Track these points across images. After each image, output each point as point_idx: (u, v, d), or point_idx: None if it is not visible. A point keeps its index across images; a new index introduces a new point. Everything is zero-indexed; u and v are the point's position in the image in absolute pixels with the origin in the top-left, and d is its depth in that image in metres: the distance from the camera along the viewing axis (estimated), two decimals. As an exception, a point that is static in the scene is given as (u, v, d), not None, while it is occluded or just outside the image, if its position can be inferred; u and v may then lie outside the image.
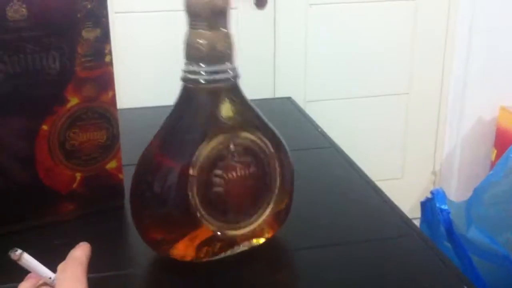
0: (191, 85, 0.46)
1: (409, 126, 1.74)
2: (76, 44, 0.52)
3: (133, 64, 1.41)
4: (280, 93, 1.48)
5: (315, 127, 0.78)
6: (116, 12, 0.52)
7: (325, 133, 0.76)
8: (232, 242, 0.48)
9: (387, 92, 1.70)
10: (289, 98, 0.90)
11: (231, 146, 0.46)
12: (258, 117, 0.48)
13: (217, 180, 0.46)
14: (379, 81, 1.68)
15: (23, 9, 0.49)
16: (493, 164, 1.64)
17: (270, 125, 0.49)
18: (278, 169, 0.49)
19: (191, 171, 0.44)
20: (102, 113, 0.55)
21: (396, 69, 1.68)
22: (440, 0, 1.64)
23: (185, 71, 0.46)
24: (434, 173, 1.81)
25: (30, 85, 0.51)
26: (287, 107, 0.87)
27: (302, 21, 1.58)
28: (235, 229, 0.48)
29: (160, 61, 1.42)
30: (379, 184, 0.63)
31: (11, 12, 0.49)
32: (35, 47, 0.50)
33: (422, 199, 0.87)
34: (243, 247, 0.49)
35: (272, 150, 0.48)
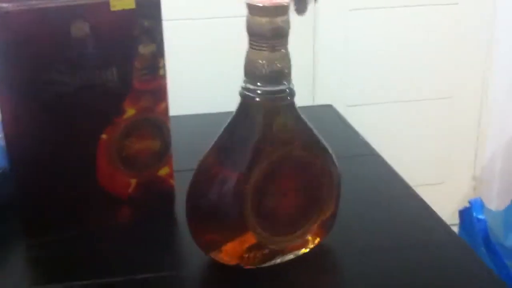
0: (248, 101, 0.48)
1: (451, 131, 1.73)
2: (133, 59, 0.56)
3: (184, 71, 1.45)
4: (320, 100, 1.50)
5: (357, 134, 0.80)
6: (167, 20, 0.55)
7: (366, 140, 0.78)
8: (280, 251, 0.51)
9: (429, 97, 1.70)
10: (330, 106, 0.92)
11: (284, 160, 0.48)
12: (310, 133, 0.51)
13: (269, 193, 0.49)
14: (420, 86, 1.67)
15: (86, 27, 0.53)
16: (536, 170, 1.62)
17: (322, 139, 0.51)
18: (328, 183, 0.51)
19: (246, 183, 0.47)
20: (156, 123, 0.59)
21: (439, 73, 1.67)
22: (484, 5, 1.63)
23: (243, 88, 0.48)
24: (474, 178, 1.80)
25: (92, 97, 0.54)
26: (328, 114, 0.89)
27: (342, 26, 1.59)
28: (284, 240, 0.51)
29: (209, 69, 1.46)
30: (420, 189, 0.65)
31: (74, 29, 0.53)
32: (95, 63, 0.54)
33: (463, 205, 0.88)
34: (289, 256, 0.52)
35: (323, 165, 0.51)
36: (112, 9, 0.54)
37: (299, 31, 1.59)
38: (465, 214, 0.84)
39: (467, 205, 0.83)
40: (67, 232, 0.57)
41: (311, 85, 1.60)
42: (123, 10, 0.54)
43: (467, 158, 1.78)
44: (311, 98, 1.59)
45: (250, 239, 0.50)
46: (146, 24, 0.56)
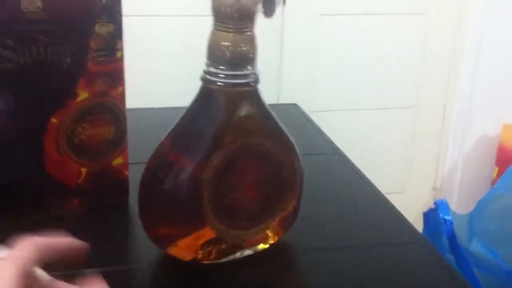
0: (210, 86, 0.45)
1: (413, 140, 1.74)
2: (89, 39, 0.52)
3: (146, 64, 1.42)
4: (285, 100, 1.49)
5: (321, 133, 0.78)
6: (130, 15, 0.52)
7: (331, 140, 0.76)
8: (238, 245, 0.48)
9: (394, 105, 1.70)
10: (295, 105, 0.90)
11: (246, 150, 0.46)
12: (274, 122, 0.48)
13: (229, 183, 0.46)
14: (386, 94, 1.68)
15: (38, 1, 0.49)
16: (494, 182, 1.64)
17: (286, 131, 0.48)
18: (290, 176, 0.49)
19: (204, 173, 0.44)
20: (111, 108, 0.55)
21: (404, 83, 1.68)
22: (450, 16, 1.65)
23: (205, 72, 0.45)
24: (435, 188, 1.81)
25: (42, 77, 0.51)
26: (293, 113, 0.87)
27: (311, 30, 1.58)
28: (242, 234, 0.48)
29: (173, 63, 1.43)
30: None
31: (25, 3, 0.49)
32: (48, 40, 0.50)
33: (422, 214, 0.87)
34: (248, 251, 0.49)
35: (286, 156, 0.48)
36: (68, -15, 0.50)
37: (267, 33, 1.58)
38: (429, 217, 0.84)
39: (432, 207, 0.82)
40: (12, 221, 0.52)
41: (277, 86, 1.59)
42: (80, -13, 0.51)
43: (428, 168, 1.79)
44: (276, 97, 1.58)
45: (207, 233, 0.47)
46: (105, 1, 0.52)
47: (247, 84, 0.46)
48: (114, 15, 0.53)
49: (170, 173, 0.46)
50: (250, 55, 0.45)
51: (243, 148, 0.46)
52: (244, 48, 0.44)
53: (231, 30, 0.44)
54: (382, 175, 1.67)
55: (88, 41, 0.52)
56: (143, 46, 1.39)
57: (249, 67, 0.45)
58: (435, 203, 0.81)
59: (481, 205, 0.84)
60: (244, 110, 0.46)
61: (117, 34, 0.54)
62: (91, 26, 0.52)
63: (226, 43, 0.44)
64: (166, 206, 0.47)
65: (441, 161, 1.79)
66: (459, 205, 1.74)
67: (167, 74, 1.47)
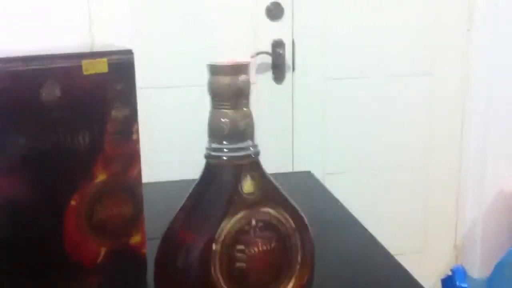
0: (213, 162, 0.47)
1: (429, 199, 1.73)
2: (105, 123, 0.54)
3: (157, 139, 1.45)
4: (299, 167, 1.50)
5: (335, 201, 0.79)
6: (140, 88, 0.55)
7: (345, 207, 0.77)
8: (254, 318, 0.49)
9: (406, 165, 1.71)
10: (308, 172, 0.91)
11: (253, 221, 0.47)
12: (278, 192, 0.50)
13: (239, 255, 0.47)
14: (397, 154, 1.69)
15: (57, 90, 0.52)
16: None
17: (291, 200, 0.50)
18: (299, 244, 0.49)
19: (213, 247, 0.45)
20: (127, 188, 0.57)
21: (414, 142, 1.69)
22: (455, 74, 1.68)
23: (208, 149, 0.48)
24: (456, 246, 1.79)
25: (60, 161, 0.53)
26: (306, 181, 0.88)
27: (320, 95, 1.62)
28: (257, 304, 0.48)
29: (183, 136, 1.46)
30: (400, 258, 0.63)
31: (45, 93, 0.52)
32: (66, 126, 0.53)
33: (444, 274, 0.86)
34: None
35: (293, 225, 0.49)
36: (85, 73, 0.53)
37: (278, 99, 1.62)
38: (447, 283, 0.82)
39: (449, 273, 0.81)
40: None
41: (290, 153, 1.61)
42: (96, 74, 0.54)
43: (448, 226, 1.78)
44: (290, 166, 1.59)
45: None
46: (119, 88, 0.55)
47: (248, 156, 0.48)
48: (129, 99, 0.56)
49: (181, 251, 0.47)
50: (248, 129, 0.48)
51: (249, 219, 0.47)
52: (242, 123, 0.47)
53: (228, 108, 0.47)
54: (401, 236, 1.66)
55: (105, 125, 0.54)
56: (150, 119, 1.42)
57: (248, 141, 0.48)
58: (452, 270, 0.80)
59: (500, 266, 0.82)
60: (247, 182, 0.48)
61: (132, 117, 0.56)
62: (108, 111, 0.54)
63: (224, 120, 0.47)
64: (181, 283, 0.47)
65: (460, 218, 1.77)
66: (482, 262, 1.71)
67: (176, 147, 1.49)
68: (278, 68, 1.57)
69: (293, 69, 1.59)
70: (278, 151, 1.57)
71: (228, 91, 0.46)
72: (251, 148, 0.48)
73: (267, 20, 1.54)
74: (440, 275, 1.10)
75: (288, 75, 1.59)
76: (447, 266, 1.66)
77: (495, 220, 1.72)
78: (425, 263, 1.67)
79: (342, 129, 1.63)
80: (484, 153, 1.69)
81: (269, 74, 1.57)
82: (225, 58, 0.47)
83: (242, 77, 0.46)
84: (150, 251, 0.57)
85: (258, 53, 1.55)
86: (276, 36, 1.55)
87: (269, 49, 1.55)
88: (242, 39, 1.47)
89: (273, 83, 1.58)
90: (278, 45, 1.56)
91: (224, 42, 1.46)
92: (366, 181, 1.66)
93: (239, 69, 0.46)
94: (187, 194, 0.49)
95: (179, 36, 1.49)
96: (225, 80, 0.46)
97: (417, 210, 1.73)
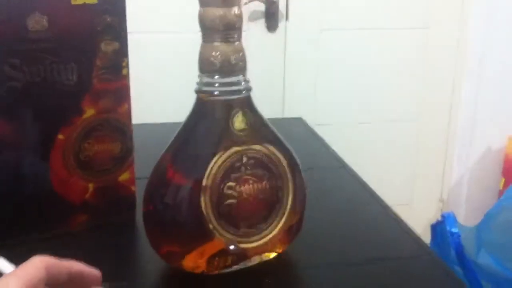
0: (204, 97, 0.46)
1: (418, 153, 1.74)
2: (94, 57, 0.53)
3: (149, 80, 1.43)
4: (289, 115, 1.49)
5: (326, 147, 0.78)
6: (130, 32, 0.53)
7: (337, 153, 0.76)
8: (243, 255, 0.48)
9: (397, 119, 1.70)
10: (299, 119, 0.91)
11: (244, 159, 0.46)
12: (271, 131, 0.49)
13: (229, 192, 0.46)
14: (389, 108, 1.68)
15: (44, 21, 0.50)
16: (501, 193, 1.63)
17: (283, 140, 0.49)
18: (290, 184, 0.49)
19: (203, 183, 0.45)
20: (117, 125, 0.56)
21: (406, 96, 1.68)
22: (451, 30, 1.66)
23: (199, 84, 0.47)
24: (441, 200, 1.81)
25: (48, 95, 0.51)
26: (298, 127, 0.87)
27: (313, 45, 1.59)
28: (247, 242, 0.48)
29: (176, 77, 1.44)
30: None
31: (32, 22, 0.50)
32: (54, 58, 0.51)
33: (432, 223, 0.87)
34: (253, 261, 0.49)
35: (284, 164, 0.48)
36: (73, 2, 0.51)
37: (271, 48, 1.59)
38: (437, 229, 0.83)
39: (439, 219, 0.82)
40: (18, 237, 0.53)
41: (281, 102, 1.60)
42: (85, 4, 0.52)
43: (435, 180, 1.79)
44: (281, 112, 1.59)
45: (213, 246, 0.47)
46: (109, 20, 0.53)
47: (239, 91, 0.47)
48: (119, 33, 0.54)
49: (170, 187, 0.47)
50: (240, 63, 0.46)
51: (240, 156, 0.46)
52: (233, 57, 0.46)
53: (219, 41, 0.45)
54: (388, 188, 1.67)
55: (93, 59, 0.53)
56: (145, 62, 1.40)
57: (240, 75, 0.47)
58: (442, 216, 0.81)
59: (489, 217, 0.83)
60: (239, 119, 0.47)
61: (122, 51, 0.54)
62: (96, 44, 0.53)
63: (215, 53, 0.45)
64: (170, 222, 0.47)
65: (447, 173, 1.78)
66: (467, 217, 1.73)
67: (169, 89, 1.48)
68: (271, 16, 1.54)
69: (287, 18, 1.56)
70: (268, 99, 1.55)
71: (220, 23, 0.45)
72: (242, 83, 0.47)
73: None
74: (425, 227, 1.11)
75: (282, 24, 1.56)
76: (432, 219, 1.68)
77: (481, 176, 1.74)
78: (411, 215, 1.69)
79: (334, 80, 1.62)
80: (474, 111, 1.69)
81: (262, 22, 1.54)
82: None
83: (234, 10, 0.45)
84: (140, 190, 0.57)
85: (251, 0, 1.52)
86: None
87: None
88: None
89: (265, 31, 1.55)
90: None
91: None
92: (355, 133, 1.66)
93: (231, 1, 0.45)
94: (174, 134, 0.48)
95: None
96: (216, 12, 0.45)
97: (406, 163, 1.73)
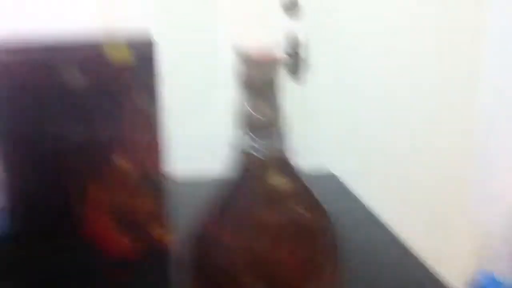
0: (243, 156, 0.46)
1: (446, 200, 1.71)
2: (128, 111, 0.54)
3: (187, 134, 1.45)
4: (319, 166, 1.49)
5: (359, 203, 0.78)
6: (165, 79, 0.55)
7: (370, 209, 0.76)
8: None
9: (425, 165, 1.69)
10: (327, 171, 0.91)
11: (281, 218, 0.46)
12: (306, 189, 0.49)
13: (265, 253, 0.46)
14: (417, 159, 1.67)
15: (79, 75, 0.52)
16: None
17: (318, 198, 0.49)
18: (328, 244, 0.49)
19: (241, 242, 0.45)
20: (148, 177, 0.56)
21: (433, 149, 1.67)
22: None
23: (235, 140, 0.47)
24: (476, 251, 1.76)
25: (83, 149, 0.52)
26: (329, 182, 0.87)
27: (336, 95, 1.60)
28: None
29: (212, 130, 1.45)
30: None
31: (67, 80, 0.51)
32: (88, 113, 0.52)
33: (470, 279, 0.84)
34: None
35: (321, 225, 0.48)
36: (109, 61, 0.53)
37: (293, 97, 1.61)
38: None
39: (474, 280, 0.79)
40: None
41: (309, 153, 1.60)
42: (119, 62, 0.53)
43: (468, 229, 1.75)
44: (312, 164, 1.59)
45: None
46: (144, 77, 0.54)
47: (276, 150, 0.47)
48: (152, 89, 0.55)
49: (207, 247, 0.47)
50: (278, 122, 0.47)
51: (276, 217, 0.46)
52: (271, 116, 0.46)
53: (258, 100, 0.46)
54: (424, 239, 1.64)
55: (127, 114, 0.54)
56: (181, 114, 1.42)
57: (279, 135, 0.47)
58: (480, 274, 0.78)
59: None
60: (275, 178, 0.47)
61: (156, 107, 0.55)
62: (130, 99, 0.54)
63: (256, 112, 0.46)
64: (208, 278, 0.47)
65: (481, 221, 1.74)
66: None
67: (207, 142, 1.49)
68: (294, 65, 1.57)
69: (308, 68, 1.58)
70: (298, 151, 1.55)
71: (259, 82, 0.45)
72: (281, 142, 0.47)
73: (282, 15, 1.53)
74: (465, 281, 1.07)
75: (304, 74, 1.58)
76: (473, 270, 1.62)
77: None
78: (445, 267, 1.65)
79: (358, 129, 1.62)
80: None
81: (283, 71, 1.56)
82: (258, 50, 0.46)
83: (276, 71, 0.46)
84: (175, 246, 0.57)
85: (284, 51, 1.55)
86: (292, 33, 1.54)
87: (284, 45, 1.54)
88: (256, 33, 1.46)
89: (288, 81, 1.57)
90: (294, 41, 1.55)
91: (240, 35, 1.45)
92: (384, 182, 1.65)
93: (271, 61, 0.45)
94: (215, 190, 0.48)
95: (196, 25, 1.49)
96: (258, 72, 0.45)
97: (435, 212, 1.70)
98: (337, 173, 0.90)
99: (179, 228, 0.55)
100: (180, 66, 1.48)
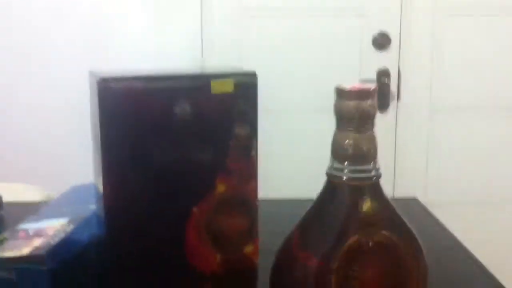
0: (334, 181, 0.49)
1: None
2: (228, 139, 0.59)
3: (278, 159, 1.49)
4: (400, 195, 1.48)
5: (443, 228, 0.78)
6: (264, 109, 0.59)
7: (453, 235, 0.76)
8: None
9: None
10: (415, 199, 0.91)
11: (369, 243, 0.48)
12: (396, 215, 0.50)
13: (353, 276, 0.48)
14: (502, 189, 1.62)
15: (188, 107, 0.57)
16: None
17: (408, 224, 0.51)
18: (413, 269, 0.50)
19: (330, 265, 0.47)
20: (244, 200, 0.61)
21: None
22: None
23: (330, 168, 0.50)
24: None
25: (188, 173, 0.58)
26: (412, 207, 0.88)
27: (424, 125, 1.60)
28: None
29: (301, 155, 1.49)
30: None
31: (178, 109, 0.57)
32: (194, 141, 0.58)
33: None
34: None
35: (408, 249, 0.50)
36: (213, 92, 0.58)
37: (381, 127, 1.62)
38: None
39: None
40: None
41: (391, 181, 1.60)
42: (223, 93, 0.58)
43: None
44: (391, 191, 1.58)
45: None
46: (243, 106, 0.59)
47: (369, 178, 0.49)
48: (250, 117, 0.60)
49: (296, 268, 0.49)
50: (371, 152, 0.49)
51: (366, 242, 0.48)
52: (365, 146, 0.49)
53: (351, 130, 0.48)
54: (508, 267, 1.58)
55: (228, 141, 0.59)
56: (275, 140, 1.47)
57: (371, 163, 0.49)
58: None
59: None
60: (367, 204, 0.49)
61: (253, 134, 0.60)
62: (231, 128, 0.59)
63: (349, 142, 0.48)
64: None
65: None
66: None
67: (296, 165, 1.53)
68: (382, 96, 1.58)
69: (398, 98, 1.59)
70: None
71: (354, 114, 0.48)
72: (373, 170, 0.49)
73: (373, 50, 1.55)
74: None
75: (393, 104, 1.59)
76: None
77: None
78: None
79: (446, 160, 1.60)
80: None
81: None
82: (352, 83, 0.49)
83: (368, 102, 0.48)
84: (262, 263, 0.61)
85: (371, 84, 1.57)
86: (382, 66, 1.56)
87: (375, 78, 1.56)
88: (350, 68, 1.49)
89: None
90: (383, 74, 1.56)
91: (333, 71, 1.49)
92: (471, 214, 1.61)
93: (366, 94, 0.48)
94: (304, 211, 0.51)
95: (296, 64, 1.54)
96: (352, 104, 0.48)
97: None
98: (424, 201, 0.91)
99: (267, 245, 0.59)
100: (277, 96, 1.54)
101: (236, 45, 1.55)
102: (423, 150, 1.60)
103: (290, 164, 1.55)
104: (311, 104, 1.51)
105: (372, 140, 0.49)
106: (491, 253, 1.55)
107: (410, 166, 1.60)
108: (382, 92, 1.57)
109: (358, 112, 0.48)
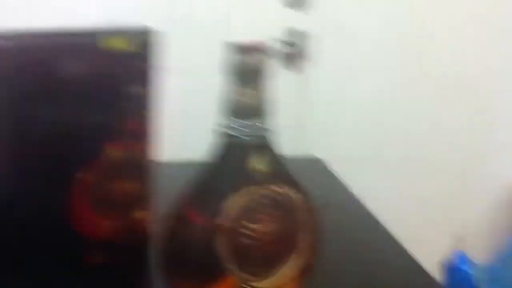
0: (224, 139, 0.48)
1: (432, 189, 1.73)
2: (120, 100, 0.55)
3: (173, 119, 1.45)
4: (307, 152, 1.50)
5: (342, 186, 0.79)
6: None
7: (351, 190, 0.77)
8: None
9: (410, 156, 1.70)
10: (315, 157, 0.92)
11: (260, 199, 0.48)
12: (287, 172, 0.50)
13: (245, 231, 0.48)
14: (403, 147, 1.68)
15: (73, 65, 0.53)
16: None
17: (299, 180, 0.50)
18: (305, 224, 0.50)
19: (219, 222, 0.46)
20: (136, 164, 0.58)
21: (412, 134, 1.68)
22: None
23: (219, 126, 0.49)
24: (456, 236, 1.79)
25: (73, 136, 0.54)
26: (314, 166, 0.89)
27: (336, 86, 1.60)
28: (261, 282, 0.49)
29: (202, 116, 1.46)
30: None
31: (61, 66, 0.52)
32: (80, 101, 0.53)
33: (444, 261, 0.87)
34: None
35: (300, 204, 0.50)
36: (103, 48, 0.53)
37: (290, 87, 1.61)
38: (449, 267, 0.83)
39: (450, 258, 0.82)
40: (30, 275, 0.54)
41: (296, 138, 1.61)
42: (114, 50, 0.54)
43: (448, 215, 1.78)
44: (299, 149, 1.59)
45: (227, 285, 0.48)
46: (137, 65, 0.55)
47: (259, 135, 0.48)
48: (145, 78, 0.56)
49: (186, 227, 0.48)
50: (260, 108, 0.48)
51: (255, 196, 0.48)
52: (254, 102, 0.48)
53: (240, 85, 0.48)
54: (403, 222, 1.66)
55: (119, 102, 0.55)
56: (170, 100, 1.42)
57: (260, 119, 0.48)
58: (454, 254, 0.80)
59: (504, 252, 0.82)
60: (256, 160, 0.48)
61: (148, 96, 0.56)
62: (124, 88, 0.55)
63: (237, 97, 0.47)
64: (185, 260, 0.48)
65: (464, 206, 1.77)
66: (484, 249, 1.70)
67: (195, 128, 1.50)
68: (292, 56, 1.57)
69: (308, 59, 1.58)
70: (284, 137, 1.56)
71: (240, 68, 0.47)
72: (261, 126, 0.48)
73: (284, 9, 1.53)
74: (440, 262, 1.10)
75: (303, 64, 1.58)
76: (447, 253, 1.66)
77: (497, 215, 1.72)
78: (424, 251, 1.68)
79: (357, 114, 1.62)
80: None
81: (281, 62, 1.57)
82: (242, 38, 0.47)
83: (259, 57, 0.47)
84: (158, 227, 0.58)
85: (275, 40, 1.55)
86: (293, 25, 1.54)
87: (284, 38, 1.54)
88: (258, 26, 1.46)
89: (285, 71, 1.57)
90: (294, 34, 1.55)
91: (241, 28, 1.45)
92: (371, 169, 1.66)
93: (257, 48, 0.47)
94: (196, 172, 0.50)
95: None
96: (242, 58, 0.47)
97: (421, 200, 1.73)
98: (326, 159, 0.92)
99: (160, 210, 0.57)
100: (172, 56, 1.49)
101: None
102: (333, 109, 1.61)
103: (196, 125, 1.52)
104: (206, 61, 1.46)
105: (263, 96, 0.48)
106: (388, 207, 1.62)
107: (318, 123, 1.61)
108: (292, 52, 1.56)
109: (243, 66, 0.47)
